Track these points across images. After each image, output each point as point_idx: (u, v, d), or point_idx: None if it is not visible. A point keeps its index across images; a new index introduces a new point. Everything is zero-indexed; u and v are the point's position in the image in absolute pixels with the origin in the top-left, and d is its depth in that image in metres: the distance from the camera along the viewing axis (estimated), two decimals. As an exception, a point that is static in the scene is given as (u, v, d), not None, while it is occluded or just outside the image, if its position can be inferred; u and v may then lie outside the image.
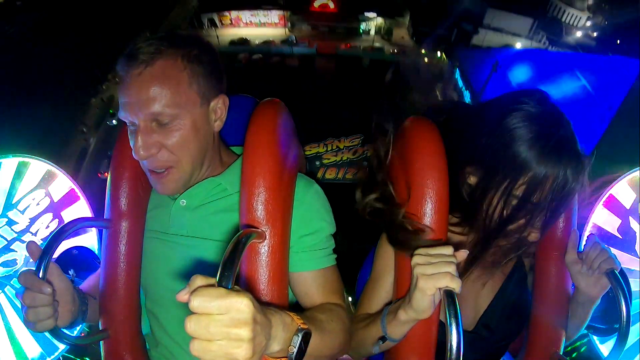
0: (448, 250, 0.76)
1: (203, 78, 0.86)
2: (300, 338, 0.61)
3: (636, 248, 1.24)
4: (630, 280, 1.22)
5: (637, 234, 1.23)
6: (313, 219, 0.91)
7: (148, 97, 0.80)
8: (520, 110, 0.83)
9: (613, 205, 1.25)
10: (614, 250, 1.21)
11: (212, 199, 0.94)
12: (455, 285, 0.71)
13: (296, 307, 0.93)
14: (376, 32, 30.28)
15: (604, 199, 1.25)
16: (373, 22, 30.28)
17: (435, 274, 0.73)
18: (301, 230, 0.89)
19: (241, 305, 0.50)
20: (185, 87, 0.83)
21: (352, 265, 1.29)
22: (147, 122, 0.82)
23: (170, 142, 0.84)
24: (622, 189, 1.24)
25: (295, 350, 0.61)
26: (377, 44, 29.53)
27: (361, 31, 30.24)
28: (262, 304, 0.56)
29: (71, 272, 1.11)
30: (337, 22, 29.87)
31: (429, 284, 0.73)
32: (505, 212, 0.85)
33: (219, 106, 0.91)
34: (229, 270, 0.55)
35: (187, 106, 0.84)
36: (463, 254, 0.77)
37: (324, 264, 0.91)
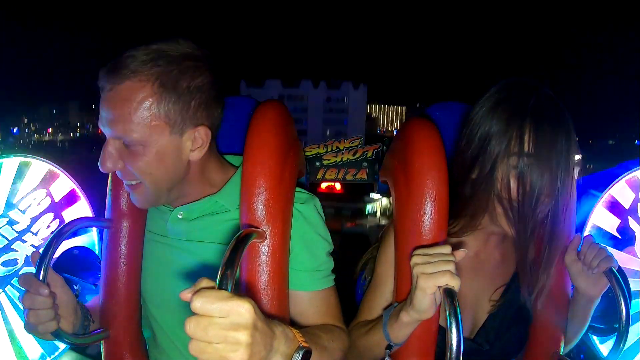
0: (446, 249, 0.77)
1: (176, 105, 0.79)
2: (300, 356, 0.60)
3: (635, 248, 1.24)
4: (630, 280, 1.22)
5: (637, 234, 1.24)
6: (312, 234, 0.90)
7: (112, 117, 0.78)
8: (487, 96, 0.89)
9: (612, 205, 1.25)
10: (613, 251, 1.22)
11: (210, 212, 0.92)
12: (455, 283, 0.72)
13: (296, 324, 0.92)
14: (382, 213, 30.74)
15: (603, 199, 1.26)
16: (378, 203, 30.66)
17: (435, 272, 0.73)
18: (299, 245, 0.88)
19: (241, 309, 0.50)
20: (151, 113, 0.77)
21: (349, 271, 1.28)
22: (115, 140, 0.80)
23: (132, 164, 0.81)
24: (621, 189, 1.24)
25: None
26: (383, 223, 29.80)
27: (367, 212, 30.43)
28: (265, 315, 0.55)
29: (76, 287, 1.12)
30: (343, 202, 30.16)
31: (429, 283, 0.73)
32: (516, 181, 0.83)
33: (199, 136, 0.83)
34: (229, 269, 0.55)
35: (152, 134, 0.78)
36: (462, 254, 0.78)
37: (322, 285, 0.90)
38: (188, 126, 0.82)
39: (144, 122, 0.77)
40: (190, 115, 0.81)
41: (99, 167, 0.82)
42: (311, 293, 0.89)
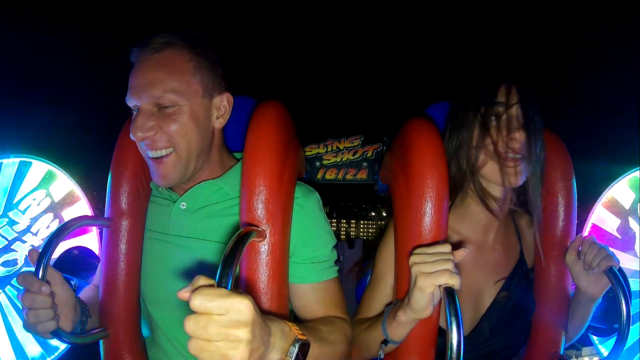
0: (446, 248, 0.77)
1: (208, 72, 0.89)
2: (297, 349, 0.60)
3: (636, 248, 1.24)
4: (630, 280, 1.22)
5: (637, 234, 1.24)
6: (314, 228, 0.90)
7: (151, 80, 0.84)
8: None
9: (612, 206, 1.25)
10: (613, 250, 1.22)
11: (213, 201, 0.94)
12: (454, 282, 0.71)
13: (297, 318, 0.92)
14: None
15: (603, 199, 1.26)
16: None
17: (434, 271, 0.73)
18: (301, 239, 0.88)
19: (241, 306, 0.50)
20: (189, 76, 0.86)
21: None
22: (148, 105, 0.85)
23: (168, 126, 0.85)
24: (621, 189, 1.25)
25: None
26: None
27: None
28: (262, 312, 0.55)
29: (74, 282, 1.12)
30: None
31: (428, 282, 0.73)
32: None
33: (223, 104, 0.92)
34: (229, 267, 0.55)
35: (188, 95, 0.86)
36: (462, 253, 0.77)
37: (325, 277, 0.90)
38: (216, 91, 0.91)
39: (182, 84, 0.85)
40: (217, 81, 0.91)
41: (132, 137, 0.86)
42: (314, 285, 0.89)
